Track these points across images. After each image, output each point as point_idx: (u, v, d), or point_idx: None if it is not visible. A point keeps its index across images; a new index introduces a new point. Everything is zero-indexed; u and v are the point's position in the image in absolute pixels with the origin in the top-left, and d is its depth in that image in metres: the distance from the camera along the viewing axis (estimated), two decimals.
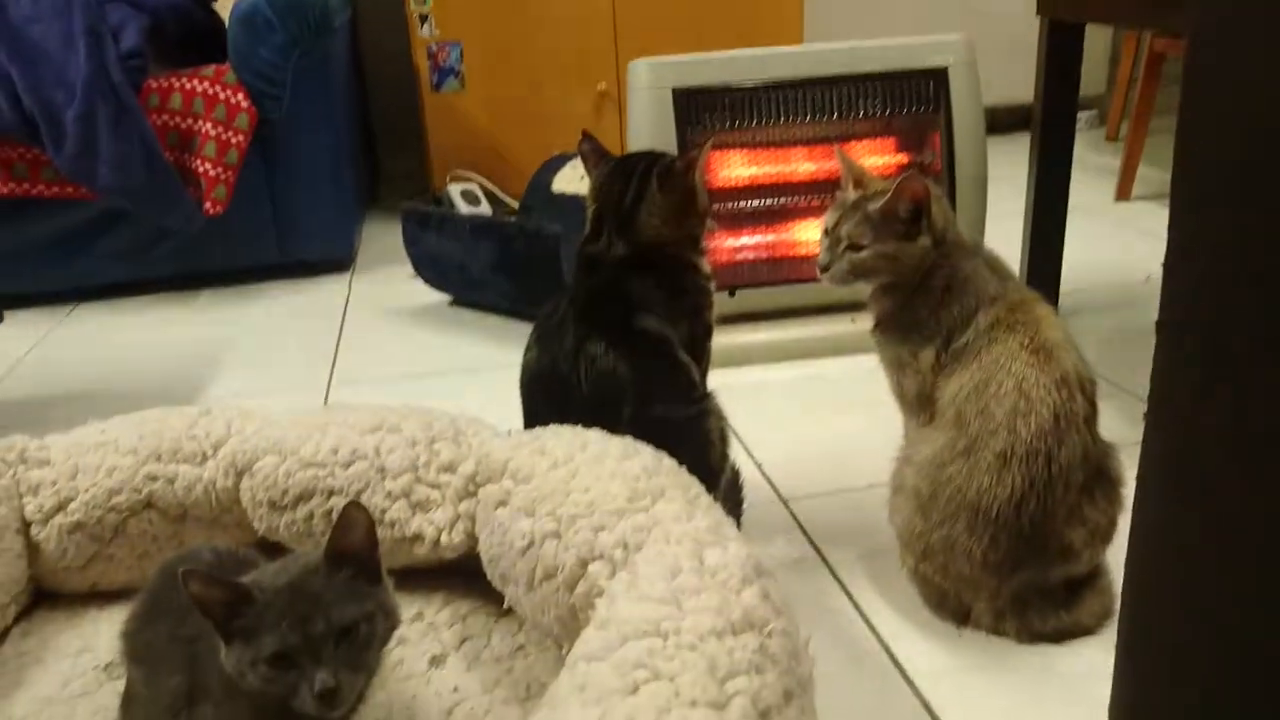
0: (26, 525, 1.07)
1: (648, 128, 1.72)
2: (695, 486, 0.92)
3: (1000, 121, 3.29)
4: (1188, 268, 0.55)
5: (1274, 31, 0.47)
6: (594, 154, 1.20)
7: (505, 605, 0.99)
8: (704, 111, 1.73)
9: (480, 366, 1.85)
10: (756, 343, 1.79)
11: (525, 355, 1.14)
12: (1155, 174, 2.77)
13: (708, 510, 0.87)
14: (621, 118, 2.83)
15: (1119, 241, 2.38)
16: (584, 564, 0.84)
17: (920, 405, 1.10)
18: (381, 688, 0.96)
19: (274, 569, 0.77)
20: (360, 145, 2.85)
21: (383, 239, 2.67)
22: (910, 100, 1.77)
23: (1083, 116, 3.48)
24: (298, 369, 1.90)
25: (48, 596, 1.12)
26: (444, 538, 1.04)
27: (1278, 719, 0.51)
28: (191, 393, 1.80)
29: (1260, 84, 0.48)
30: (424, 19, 2.64)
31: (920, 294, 1.09)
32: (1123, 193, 2.70)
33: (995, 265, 1.11)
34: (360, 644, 0.73)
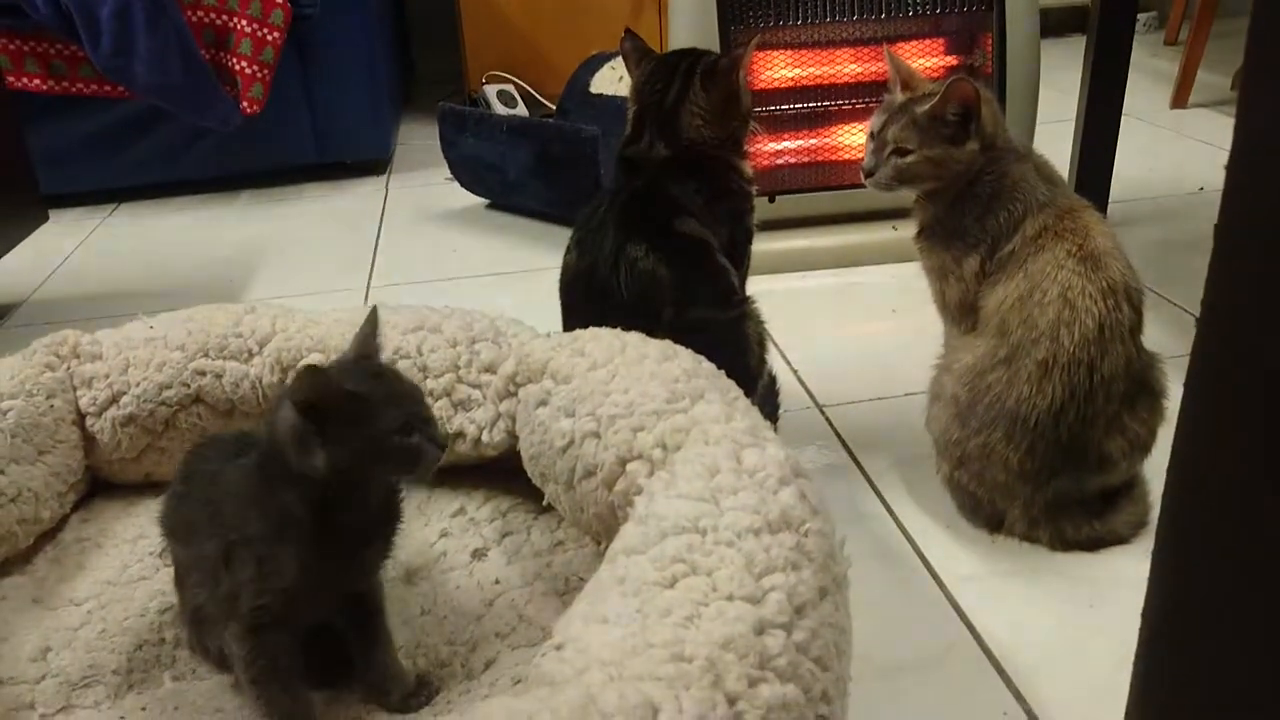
0: (81, 417, 1.11)
1: (689, 26, 1.68)
2: (734, 389, 0.93)
3: (1055, 23, 3.17)
4: (1253, 166, 0.53)
5: None
6: (636, 52, 1.17)
7: (545, 502, 1.01)
8: (747, 9, 1.68)
9: (517, 269, 1.85)
10: (797, 249, 1.77)
11: (565, 257, 1.13)
12: (1215, 80, 2.66)
13: (746, 412, 0.88)
14: (662, 17, 2.75)
15: (1173, 150, 2.30)
16: (623, 463, 0.85)
17: (963, 314, 1.09)
18: (426, 578, 0.99)
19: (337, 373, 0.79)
20: (397, 44, 2.81)
21: (419, 141, 2.65)
22: None
23: (1141, 18, 3.34)
24: (337, 270, 1.91)
25: (104, 486, 1.16)
26: (485, 436, 1.05)
27: None
28: (234, 292, 1.83)
29: None
30: None
31: (967, 200, 1.07)
32: (1180, 100, 2.61)
33: (1045, 171, 1.08)
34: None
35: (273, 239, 2.09)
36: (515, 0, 2.69)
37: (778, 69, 1.74)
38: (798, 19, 1.69)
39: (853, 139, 1.76)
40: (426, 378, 1.06)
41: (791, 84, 1.75)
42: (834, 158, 1.77)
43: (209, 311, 1.14)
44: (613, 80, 2.19)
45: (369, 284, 1.84)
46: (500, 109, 2.57)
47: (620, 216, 1.09)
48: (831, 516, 0.81)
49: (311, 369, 0.74)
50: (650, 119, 1.12)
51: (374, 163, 2.44)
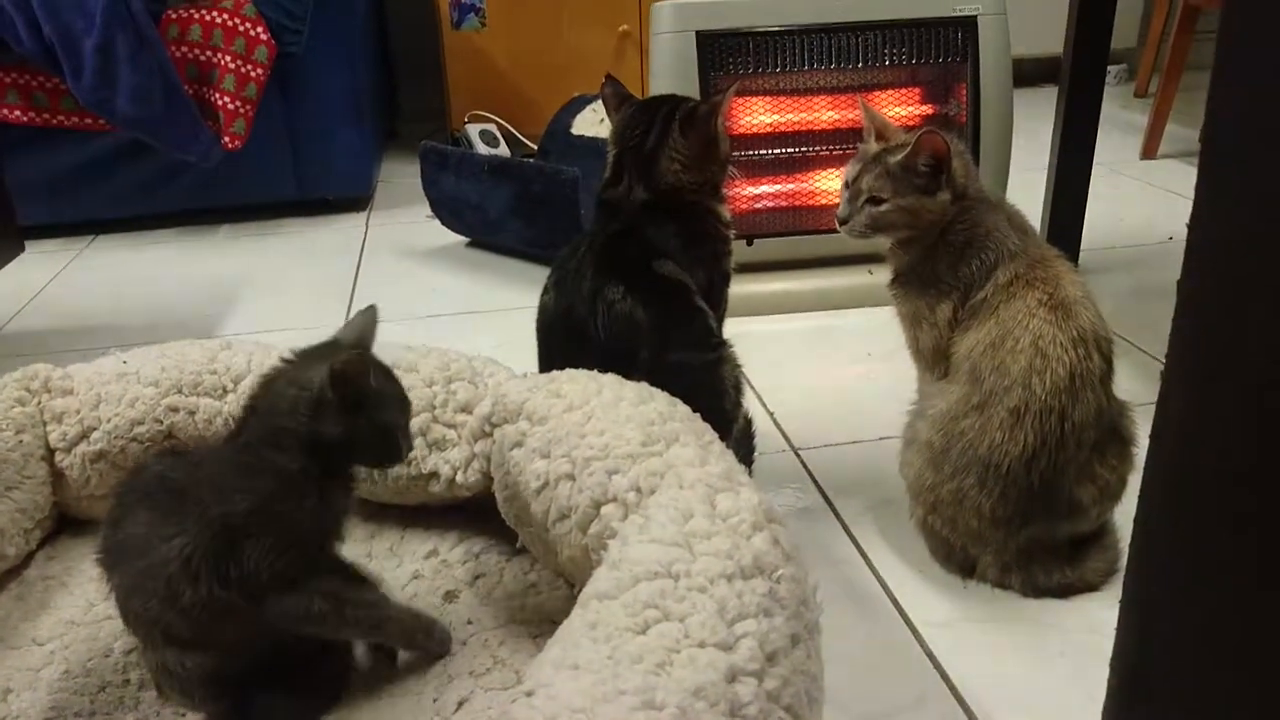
0: (51, 453, 1.09)
1: (670, 72, 1.70)
2: (709, 433, 0.93)
3: (1029, 74, 3.24)
4: (1212, 228, 0.55)
5: None
6: (616, 97, 1.19)
7: (518, 544, 1.01)
8: (727, 56, 1.71)
9: (496, 308, 1.86)
10: (774, 292, 1.79)
11: (542, 298, 1.14)
12: (1184, 132, 2.73)
13: (720, 456, 0.88)
14: (643, 61, 2.79)
15: (1143, 200, 2.35)
16: (597, 506, 0.85)
17: (936, 360, 1.10)
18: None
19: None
20: (380, 82, 2.83)
21: (401, 178, 2.66)
22: (937, 50, 1.74)
23: (1112, 71, 3.42)
24: (315, 307, 1.91)
25: (71, 523, 1.14)
26: (459, 476, 1.05)
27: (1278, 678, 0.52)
28: (210, 327, 1.82)
29: None
30: None
31: (940, 248, 1.08)
32: (1149, 150, 2.66)
33: (1017, 221, 1.10)
34: None
35: (251, 274, 2.09)
36: (499, 42, 2.72)
37: (757, 114, 1.76)
38: (777, 66, 1.72)
39: (830, 184, 1.79)
40: None
41: (770, 129, 1.77)
42: (811, 202, 1.80)
43: (183, 347, 1.13)
44: (594, 122, 2.21)
45: (347, 320, 1.84)
46: (482, 148, 2.59)
47: (598, 258, 1.09)
48: (804, 562, 0.81)
49: (361, 355, 0.86)
50: (629, 163, 1.14)
51: (355, 199, 2.44)
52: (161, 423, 1.08)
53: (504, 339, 1.63)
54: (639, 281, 1.07)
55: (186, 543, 0.81)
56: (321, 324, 1.82)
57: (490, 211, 2.00)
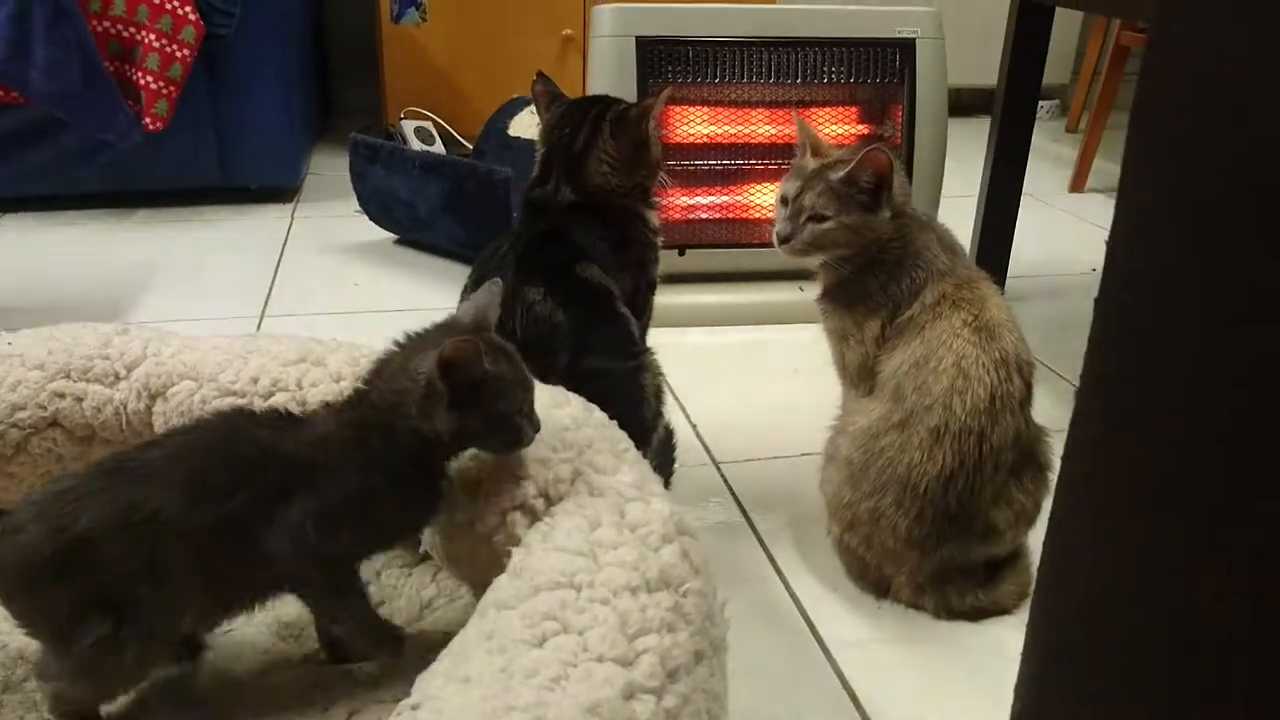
0: None
1: (609, 76, 1.68)
2: (624, 441, 0.90)
3: (965, 103, 3.30)
4: (1124, 264, 0.54)
5: (1231, 30, 0.46)
6: (547, 95, 1.16)
7: (421, 551, 0.97)
8: (667, 63, 1.70)
9: (421, 307, 1.81)
10: (703, 304, 1.77)
11: (462, 297, 1.10)
12: (1111, 167, 2.79)
13: (634, 465, 0.85)
14: (585, 65, 2.77)
15: (1069, 232, 2.39)
16: (503, 514, 0.81)
17: (861, 377, 1.09)
18: (296, 635, 0.94)
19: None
20: (314, 72, 2.76)
21: (331, 171, 2.59)
22: (875, 70, 1.75)
23: (1045, 106, 3.50)
24: (229, 298, 1.84)
25: None
26: None
27: (1177, 705, 0.51)
28: (117, 313, 1.74)
29: (1215, 81, 0.47)
30: None
31: (873, 266, 1.08)
32: (1078, 184, 2.72)
33: (946, 240, 1.10)
34: None
35: (166, 261, 2.00)
36: (439, 38, 2.67)
37: (694, 124, 1.75)
38: (715, 77, 1.71)
39: (764, 198, 1.78)
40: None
41: (707, 140, 1.76)
42: (745, 215, 1.79)
43: (75, 330, 1.07)
44: (531, 124, 2.17)
45: (263, 313, 1.78)
46: (417, 145, 2.53)
47: (520, 258, 1.06)
48: (713, 577, 0.78)
49: (469, 341, 0.78)
50: (558, 162, 1.11)
51: (281, 190, 2.37)
52: (45, 408, 1.01)
53: None
54: (560, 284, 1.04)
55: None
56: (236, 315, 1.75)
57: (420, 208, 1.95)
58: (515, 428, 0.82)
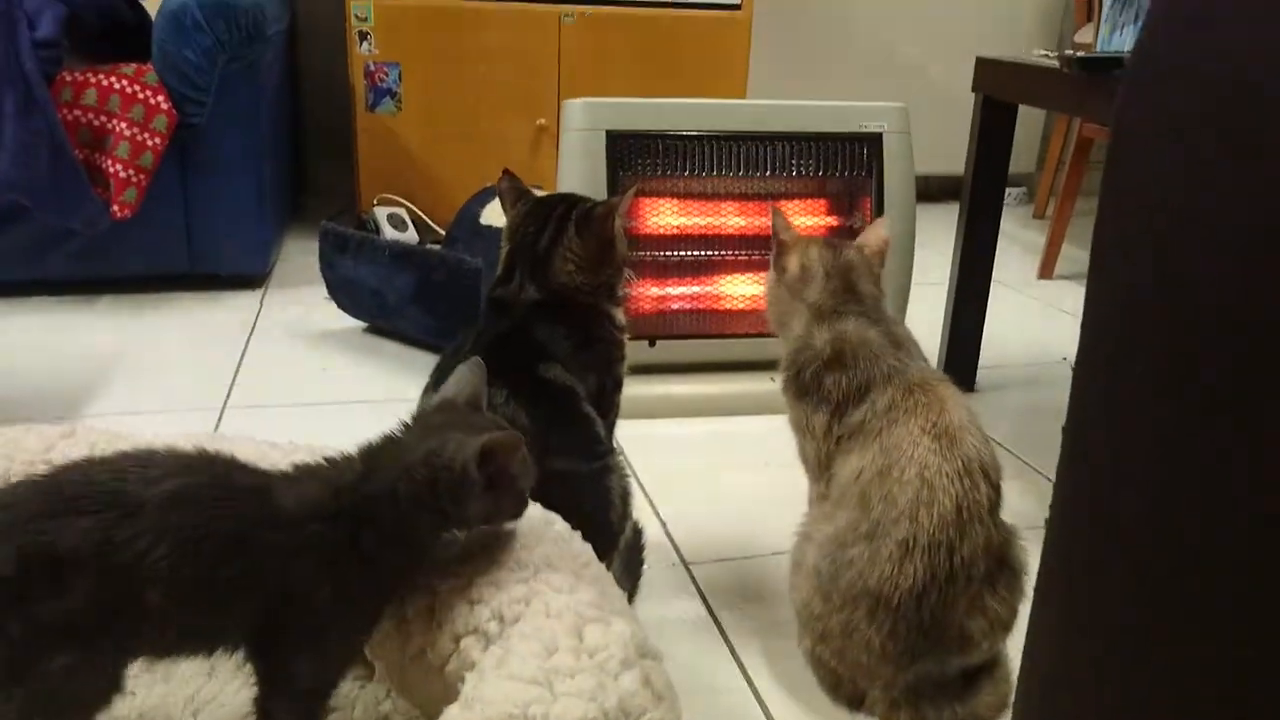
0: None
1: (579, 169, 1.68)
2: (585, 553, 0.87)
3: (936, 190, 3.35)
4: (1093, 370, 0.53)
5: (1192, 133, 0.45)
6: (512, 192, 1.15)
7: (375, 677, 0.92)
8: (637, 157, 1.71)
9: (388, 397, 1.78)
10: (674, 395, 1.75)
11: (422, 397, 1.08)
12: (1079, 253, 2.83)
13: (594, 581, 0.82)
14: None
15: (1040, 319, 2.41)
16: (456, 640, 0.78)
17: (819, 470, 1.07)
18: None
19: None
20: (288, 157, 2.77)
21: (303, 256, 2.58)
22: (843, 164, 1.77)
23: (1012, 193, 3.56)
24: (193, 389, 1.80)
25: None
26: None
27: None
28: (72, 405, 1.69)
29: (1174, 182, 0.46)
30: (364, 36, 2.58)
31: (806, 355, 1.07)
32: (1046, 271, 2.75)
33: (897, 339, 1.08)
34: None
35: (129, 350, 1.97)
36: (413, 125, 2.69)
37: (664, 215, 1.75)
38: (685, 170, 1.72)
39: (735, 289, 1.78)
40: None
41: (677, 231, 1.76)
42: (716, 306, 1.78)
43: (17, 434, 1.03)
44: (503, 214, 2.18)
45: (225, 404, 1.74)
46: (390, 232, 2.54)
47: (483, 358, 1.04)
48: (677, 703, 0.75)
49: (511, 435, 0.79)
50: (522, 261, 1.10)
51: (251, 277, 2.35)
52: None
53: None
54: (524, 385, 1.02)
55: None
56: (198, 407, 1.71)
57: (389, 297, 1.93)
58: (525, 500, 0.84)
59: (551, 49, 2.71)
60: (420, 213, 2.67)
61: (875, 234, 1.16)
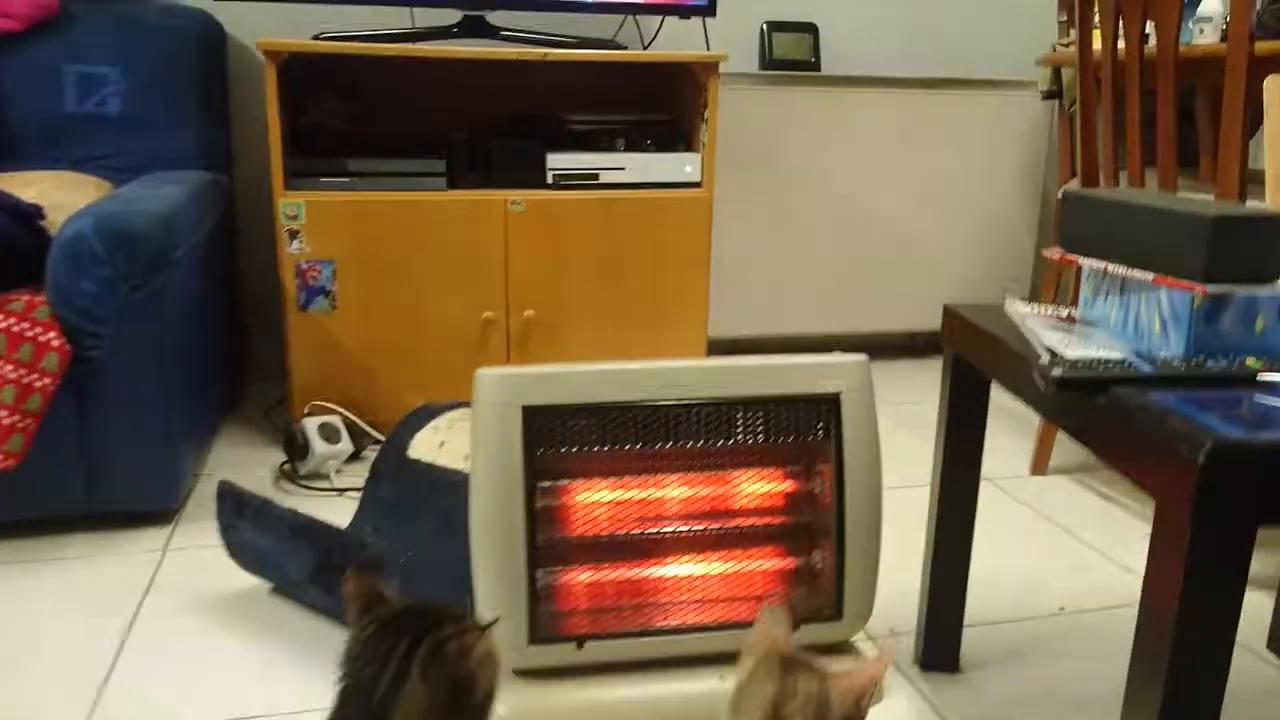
0: None
1: (494, 446, 1.47)
2: None
3: (920, 344, 3.17)
4: None
5: None
6: (361, 597, 0.94)
7: None
8: (558, 432, 1.50)
9: (274, 714, 1.54)
10: (605, 702, 1.51)
11: None
12: (1070, 442, 2.62)
13: None
14: (509, 342, 2.60)
15: (1033, 539, 2.16)
16: None
17: None
18: None
19: None
20: (217, 361, 2.56)
21: (235, 456, 2.39)
22: (797, 427, 1.56)
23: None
24: (54, 685, 1.56)
25: None
26: None
27: None
28: None
29: None
30: (294, 235, 2.41)
31: None
32: (1039, 466, 2.54)
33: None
34: None
35: None
36: (350, 323, 2.51)
37: (593, 493, 1.54)
38: (615, 445, 1.51)
39: (677, 570, 1.55)
40: None
41: (609, 510, 1.55)
42: (654, 596, 1.55)
43: None
44: (433, 445, 1.97)
45: (94, 708, 1.50)
46: (320, 446, 2.34)
47: None
48: None
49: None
50: (356, 710, 0.87)
51: (157, 512, 2.13)
52: None
53: None
54: None
55: None
56: (56, 710, 1.47)
57: (290, 571, 1.71)
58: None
59: (498, 238, 2.54)
60: (355, 419, 2.47)
61: (863, 674, 0.92)
